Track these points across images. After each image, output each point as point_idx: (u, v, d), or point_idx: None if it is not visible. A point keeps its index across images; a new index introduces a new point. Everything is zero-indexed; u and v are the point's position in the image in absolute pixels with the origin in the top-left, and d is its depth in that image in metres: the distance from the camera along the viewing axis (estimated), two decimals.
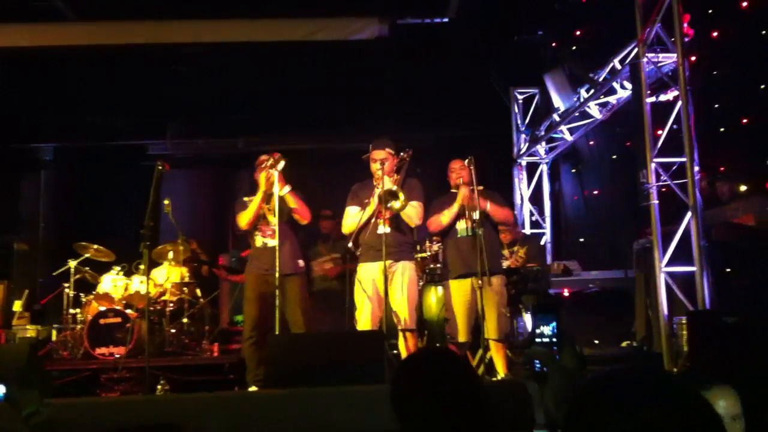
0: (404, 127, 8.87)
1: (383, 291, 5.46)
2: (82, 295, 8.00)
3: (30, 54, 8.49)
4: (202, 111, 9.94)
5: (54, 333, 8.04)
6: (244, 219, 5.91)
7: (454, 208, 5.78)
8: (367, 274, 5.61)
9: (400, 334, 5.49)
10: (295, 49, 8.87)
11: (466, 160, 5.69)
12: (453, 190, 5.87)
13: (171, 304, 7.71)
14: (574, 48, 7.97)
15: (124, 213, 10.28)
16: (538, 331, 3.19)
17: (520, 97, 9.38)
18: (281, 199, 5.70)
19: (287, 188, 5.78)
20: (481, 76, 9.30)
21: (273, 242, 5.70)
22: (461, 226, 5.79)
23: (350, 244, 5.63)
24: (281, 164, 5.69)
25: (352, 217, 5.67)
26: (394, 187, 5.47)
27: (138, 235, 9.11)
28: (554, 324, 3.12)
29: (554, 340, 3.12)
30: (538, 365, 2.55)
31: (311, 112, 9.86)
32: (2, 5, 8.01)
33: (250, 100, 9.66)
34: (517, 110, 9.38)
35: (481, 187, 5.68)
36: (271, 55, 9.02)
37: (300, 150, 9.08)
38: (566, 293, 7.11)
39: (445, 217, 5.81)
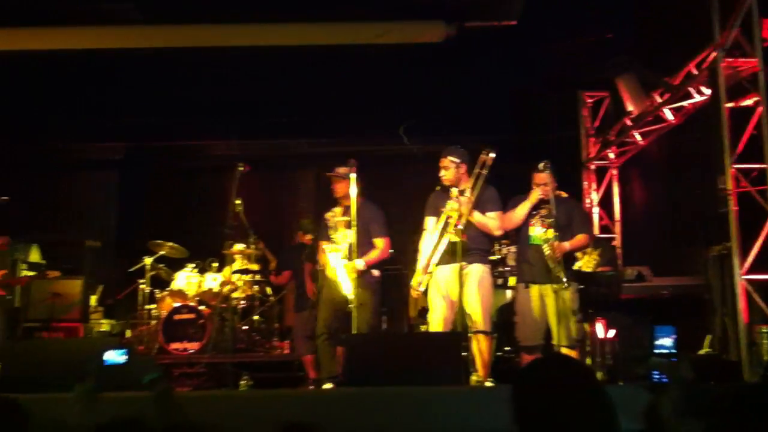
0: (468, 132, 8.87)
1: (455, 294, 5.51)
2: (156, 291, 8.22)
3: (102, 56, 8.70)
4: (268, 112, 10.07)
5: (129, 328, 8.27)
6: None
7: (528, 203, 5.77)
8: (440, 277, 5.67)
9: (473, 337, 5.51)
10: (359, 52, 8.94)
11: (541, 164, 5.69)
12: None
13: (242, 302, 7.87)
14: (645, 51, 7.88)
15: (193, 211, 10.52)
16: (657, 342, 3.18)
17: (589, 100, 9.30)
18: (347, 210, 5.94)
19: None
20: (549, 80, 9.24)
21: (344, 245, 5.90)
22: (534, 233, 5.79)
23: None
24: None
25: (429, 237, 5.77)
26: (464, 193, 5.54)
27: (210, 232, 9.37)
28: (674, 335, 3.12)
29: (673, 351, 3.12)
30: (656, 376, 2.53)
31: (374, 115, 9.91)
32: (75, 9, 8.23)
33: (315, 101, 9.75)
34: (586, 114, 9.30)
35: (565, 194, 5.69)
36: (335, 58, 9.10)
37: (362, 152, 9.13)
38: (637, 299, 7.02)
39: (520, 209, 5.79)
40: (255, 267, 8.34)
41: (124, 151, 10.72)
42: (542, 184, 5.72)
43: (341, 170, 6.09)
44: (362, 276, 5.83)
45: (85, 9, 8.09)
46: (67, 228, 10.32)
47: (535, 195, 5.71)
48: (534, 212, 5.77)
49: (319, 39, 8.76)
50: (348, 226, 5.88)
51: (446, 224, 5.64)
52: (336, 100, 9.63)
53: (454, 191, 5.63)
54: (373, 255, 6.00)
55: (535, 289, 5.70)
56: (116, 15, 8.17)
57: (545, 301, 5.62)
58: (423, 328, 6.43)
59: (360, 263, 5.85)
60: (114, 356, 2.97)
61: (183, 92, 9.59)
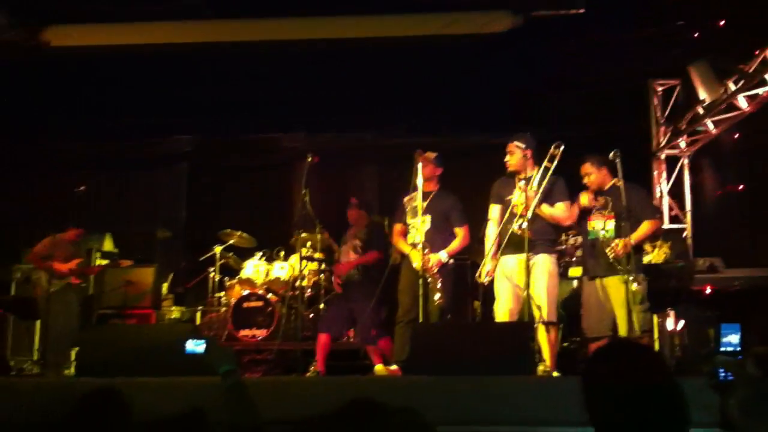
0: (533, 121, 8.80)
1: (522, 284, 5.50)
2: (226, 279, 8.40)
3: (171, 51, 8.88)
4: (333, 105, 10.15)
5: (198, 315, 8.47)
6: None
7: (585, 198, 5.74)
8: (506, 267, 5.66)
9: (540, 327, 5.49)
10: (422, 45, 8.92)
11: (611, 154, 5.61)
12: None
13: (308, 290, 7.96)
14: (718, 37, 7.69)
15: (260, 202, 10.70)
16: (723, 339, 3.10)
17: (659, 89, 9.13)
18: (431, 202, 5.97)
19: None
20: (617, 68, 9.09)
21: (419, 237, 5.88)
22: (593, 227, 5.72)
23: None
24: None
25: (494, 227, 5.78)
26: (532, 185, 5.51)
27: (277, 222, 9.51)
28: (740, 333, 3.05)
29: (739, 348, 3.05)
30: (722, 374, 2.47)
31: (439, 106, 9.90)
32: (145, 4, 8.41)
33: (380, 93, 9.78)
34: (656, 102, 9.13)
35: (621, 182, 5.60)
36: (400, 51, 9.11)
37: (426, 144, 9.13)
38: (708, 291, 6.89)
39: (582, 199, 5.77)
40: (320, 256, 8.42)
41: (193, 144, 10.94)
42: (585, 174, 5.71)
43: (430, 154, 6.10)
44: (441, 266, 5.85)
45: (157, 5, 8.27)
46: (140, 218, 10.60)
47: (584, 200, 5.67)
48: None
49: (386, 31, 8.78)
50: (426, 211, 5.89)
51: (512, 215, 5.62)
52: (400, 93, 9.65)
53: (520, 184, 5.59)
54: (455, 245, 6.02)
55: (599, 281, 5.65)
56: (186, 11, 8.32)
57: (610, 293, 5.56)
58: None
59: (444, 256, 5.88)
60: (193, 346, 3.06)
61: (250, 86, 9.74)
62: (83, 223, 7.68)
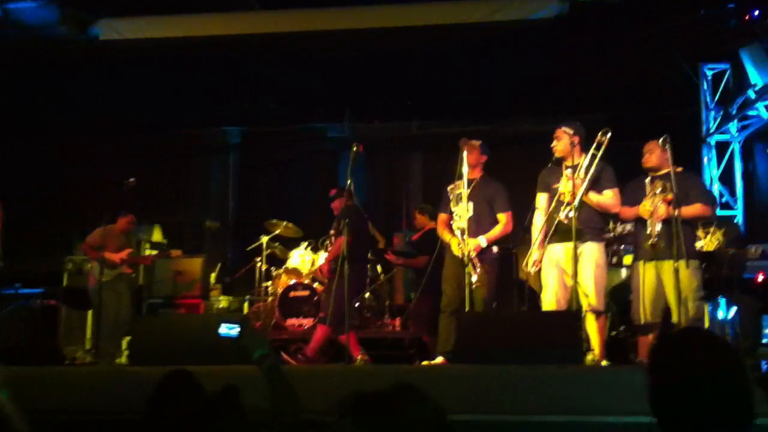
0: (579, 108, 8.70)
1: (569, 272, 5.45)
2: (272, 269, 8.49)
3: (219, 43, 8.97)
4: (378, 94, 10.16)
5: (246, 304, 8.57)
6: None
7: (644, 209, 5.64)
8: (553, 256, 5.62)
9: (587, 316, 5.43)
10: (469, 31, 8.87)
11: (661, 140, 5.52)
12: (651, 175, 5.69)
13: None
14: None
15: (306, 192, 10.76)
16: (766, 331, 3.05)
17: (709, 73, 8.94)
18: (475, 188, 5.89)
19: (483, 241, 5.87)
20: (666, 53, 8.93)
21: (463, 224, 5.83)
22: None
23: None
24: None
25: (541, 216, 5.74)
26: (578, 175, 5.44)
27: (323, 212, 9.56)
28: None
29: None
30: (766, 366, 2.41)
31: (484, 95, 9.85)
32: None
33: (424, 83, 9.76)
34: (706, 87, 8.95)
35: (680, 169, 5.51)
36: (445, 38, 9.07)
37: (473, 132, 9.08)
38: (760, 279, 6.74)
39: (629, 211, 5.72)
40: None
41: (241, 135, 11.05)
42: (647, 151, 5.65)
43: (475, 142, 6.08)
44: (482, 252, 5.80)
45: None
46: (188, 209, 10.76)
47: (644, 209, 5.56)
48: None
49: (433, 19, 8.75)
50: (470, 198, 5.86)
51: (559, 204, 5.57)
52: (445, 81, 9.62)
53: (567, 171, 5.53)
54: (496, 231, 5.95)
55: (652, 267, 5.56)
56: (234, 3, 8.39)
57: (663, 279, 5.48)
58: None
59: (482, 241, 5.82)
60: (226, 329, 3.08)
61: (296, 76, 9.80)
62: (133, 214, 7.82)
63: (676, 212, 5.25)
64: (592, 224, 5.60)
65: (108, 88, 9.34)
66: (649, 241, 5.40)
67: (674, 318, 5.37)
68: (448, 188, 6.18)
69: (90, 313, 7.87)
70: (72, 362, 6.83)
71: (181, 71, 9.42)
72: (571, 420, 3.98)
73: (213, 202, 11.28)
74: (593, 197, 5.57)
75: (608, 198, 5.61)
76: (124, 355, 6.26)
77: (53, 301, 8.12)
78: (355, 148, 6.01)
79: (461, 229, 5.79)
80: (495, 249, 6.00)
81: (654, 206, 5.48)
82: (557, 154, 5.70)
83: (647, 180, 5.61)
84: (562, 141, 5.64)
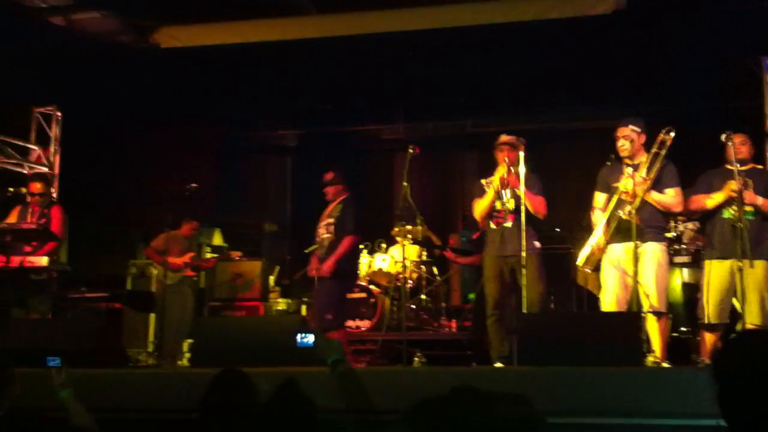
0: (637, 102, 8.57)
1: (630, 272, 5.37)
2: None
3: (275, 47, 9.07)
4: (432, 95, 10.16)
5: (303, 307, 8.67)
6: (477, 210, 6.05)
7: (721, 197, 5.54)
8: (614, 255, 5.54)
9: (648, 317, 5.35)
10: (522, 29, 8.79)
11: (723, 136, 5.41)
12: (727, 166, 5.57)
13: (410, 282, 8.03)
14: None
15: (362, 194, 10.79)
16: None
17: None
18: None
19: (522, 187, 5.79)
20: (726, 45, 8.72)
21: (508, 223, 5.82)
22: (730, 209, 5.52)
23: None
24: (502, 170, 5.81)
25: (599, 215, 5.65)
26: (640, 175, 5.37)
27: (378, 214, 9.60)
28: None
29: None
30: None
31: (539, 91, 9.77)
32: (249, 3, 8.61)
33: (478, 82, 9.72)
34: None
35: (761, 167, 5.40)
36: (497, 36, 9.02)
37: (528, 130, 9.02)
38: None
39: (711, 201, 5.61)
40: (419, 248, 8.48)
41: (298, 138, 11.17)
42: (740, 142, 5.58)
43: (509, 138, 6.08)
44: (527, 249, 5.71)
45: (261, 3, 8.48)
46: (247, 212, 10.92)
47: (728, 191, 5.46)
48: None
49: (485, 19, 8.70)
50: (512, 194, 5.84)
51: (619, 202, 5.50)
52: (499, 79, 9.56)
53: (628, 170, 5.46)
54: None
55: (720, 265, 5.46)
56: (289, 7, 8.49)
57: (733, 278, 5.37)
58: None
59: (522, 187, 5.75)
60: (302, 339, 3.23)
61: (349, 80, 9.87)
62: (195, 218, 7.98)
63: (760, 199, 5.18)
64: (654, 223, 5.51)
65: (168, 93, 9.54)
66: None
67: (745, 317, 5.25)
68: (483, 181, 6.16)
69: (153, 315, 8.07)
70: (136, 364, 7.01)
71: (238, 76, 9.56)
72: (632, 423, 3.94)
73: (270, 204, 11.43)
74: (655, 196, 5.48)
75: (670, 197, 5.51)
76: (185, 357, 6.39)
77: (118, 305, 8.34)
78: (411, 150, 6.02)
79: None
80: (537, 244, 5.94)
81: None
82: (625, 154, 5.56)
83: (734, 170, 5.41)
84: (631, 140, 5.53)
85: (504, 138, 6.12)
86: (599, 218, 5.67)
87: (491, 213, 6.01)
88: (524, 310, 5.46)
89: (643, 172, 5.43)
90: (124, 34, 8.63)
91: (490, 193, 5.94)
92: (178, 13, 8.55)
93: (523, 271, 5.49)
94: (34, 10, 8.32)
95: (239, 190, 11.28)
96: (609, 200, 5.62)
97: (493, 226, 6.02)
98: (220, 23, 8.67)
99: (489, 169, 6.33)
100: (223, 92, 9.84)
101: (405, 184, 7.16)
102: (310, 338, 3.22)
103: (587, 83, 9.36)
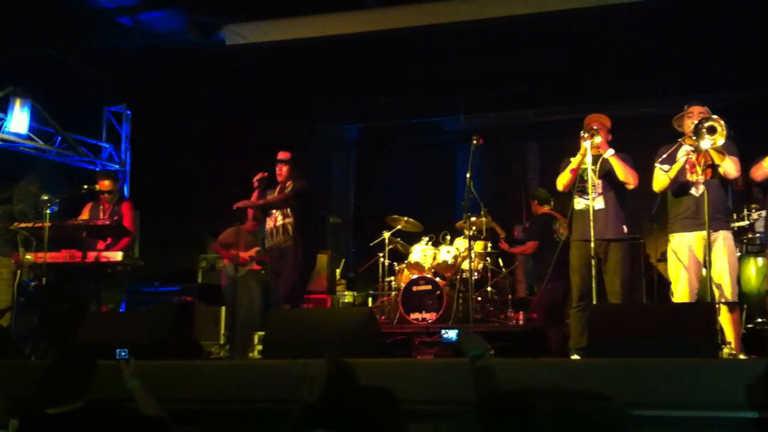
0: (699, 89, 8.37)
1: (702, 261, 5.27)
2: (395, 264, 8.60)
3: (336, 41, 9.12)
4: (493, 85, 10.09)
5: (370, 299, 8.73)
6: (560, 181, 5.91)
7: None
8: (683, 244, 5.42)
9: (721, 308, 5.23)
10: (582, 15, 8.66)
11: None
12: None
13: (475, 273, 8.01)
14: None
15: (424, 186, 10.83)
16: None
17: None
18: (605, 161, 5.67)
19: (611, 151, 5.70)
20: None
21: (599, 205, 5.69)
22: None
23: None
24: (597, 139, 5.62)
25: (661, 176, 5.52)
26: (714, 116, 5.18)
27: (441, 206, 9.60)
28: None
29: None
30: None
31: (599, 79, 9.63)
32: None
33: (539, 71, 9.62)
34: None
35: None
36: (558, 24, 8.90)
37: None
38: None
39: None
40: (485, 240, 8.46)
41: (360, 131, 11.23)
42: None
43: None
44: (615, 232, 5.65)
45: None
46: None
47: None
48: None
49: (542, 7, 8.60)
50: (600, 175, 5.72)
51: (684, 183, 5.38)
52: (560, 67, 9.45)
53: (689, 139, 5.31)
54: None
55: None
56: (352, 1, 8.52)
57: None
58: None
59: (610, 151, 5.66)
60: (447, 335, 3.67)
61: (409, 72, 9.87)
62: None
63: None
64: (721, 211, 5.40)
65: (233, 89, 9.69)
66: None
67: None
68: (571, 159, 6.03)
69: (223, 308, 8.22)
70: (207, 356, 7.16)
71: (300, 71, 9.65)
72: (709, 415, 3.86)
73: (334, 198, 11.52)
74: (724, 162, 5.29)
75: (730, 161, 5.29)
76: (256, 348, 6.50)
77: (189, 298, 8.53)
78: (475, 141, 5.98)
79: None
80: (625, 229, 5.81)
81: None
82: (688, 131, 5.38)
83: None
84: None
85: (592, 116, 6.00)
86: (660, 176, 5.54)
87: (576, 184, 5.75)
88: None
89: (720, 137, 5.20)
90: (190, 33, 8.78)
91: (576, 158, 5.73)
92: (241, 11, 8.67)
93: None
94: (101, 11, 8.54)
95: None
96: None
97: (579, 204, 5.80)
98: (282, 19, 8.76)
99: (551, 159, 6.25)
100: (286, 87, 9.95)
101: (468, 175, 7.15)
102: (452, 333, 3.45)
103: (649, 70, 9.20)
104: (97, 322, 5.83)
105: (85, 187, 7.06)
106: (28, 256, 6.41)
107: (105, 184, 7.08)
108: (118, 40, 8.90)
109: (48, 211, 6.28)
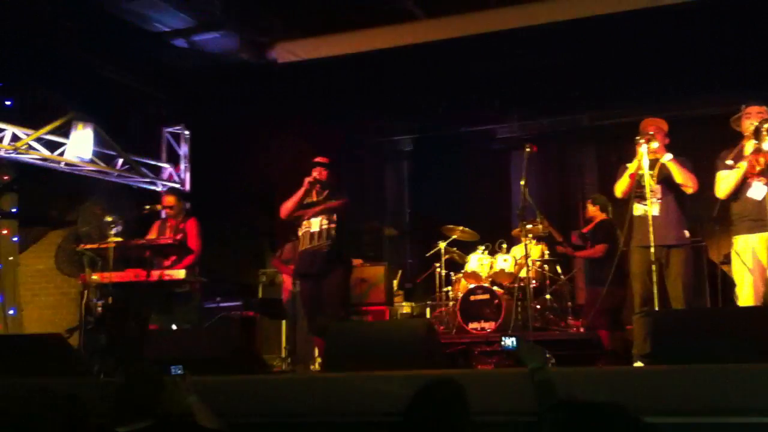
0: (755, 88, 8.17)
1: (766, 264, 5.16)
2: (452, 273, 8.60)
3: (386, 54, 9.17)
4: (545, 90, 10.03)
5: (428, 310, 8.74)
6: (619, 187, 5.83)
7: None
8: (747, 246, 5.31)
9: None
10: (634, 17, 8.56)
11: None
12: None
13: (533, 281, 7.95)
14: None
15: (479, 195, 10.80)
16: None
17: None
18: (663, 166, 5.60)
19: (669, 156, 5.61)
20: None
21: (656, 210, 5.59)
22: None
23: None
24: (653, 144, 5.55)
25: (726, 180, 5.40)
26: None
27: (497, 214, 9.56)
28: None
29: None
30: None
31: (655, 80, 9.50)
32: (358, 14, 8.76)
33: (591, 75, 9.54)
34: None
35: None
36: (609, 27, 8.82)
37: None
38: None
39: None
40: (541, 247, 8.39)
41: (413, 142, 11.29)
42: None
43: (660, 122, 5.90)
44: (678, 238, 5.54)
45: (370, 13, 8.62)
46: (367, 218, 11.09)
47: None
48: None
49: (597, 10, 8.53)
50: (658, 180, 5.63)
51: (745, 185, 5.28)
52: (613, 70, 9.36)
53: (749, 141, 5.21)
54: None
55: None
56: (398, 14, 8.59)
57: None
58: None
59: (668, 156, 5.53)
60: (507, 342, 3.71)
61: (462, 80, 9.88)
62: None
63: None
64: None
65: (287, 106, 9.83)
66: None
67: None
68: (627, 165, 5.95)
69: (284, 322, 8.33)
70: (270, 369, 7.25)
71: (353, 85, 9.74)
72: None
73: (389, 209, 11.57)
74: None
75: None
76: (317, 361, 6.56)
77: (251, 312, 8.66)
78: (528, 149, 5.95)
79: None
80: (687, 234, 5.70)
81: None
82: (747, 132, 5.29)
83: None
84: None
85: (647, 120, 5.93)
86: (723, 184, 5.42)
87: (634, 190, 5.64)
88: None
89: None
90: (243, 52, 8.96)
91: (633, 164, 5.59)
92: (292, 29, 8.82)
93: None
94: (157, 34, 8.78)
95: (359, 196, 11.46)
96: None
97: (638, 210, 5.69)
98: (332, 35, 8.88)
99: (607, 163, 6.18)
100: (339, 101, 10.06)
101: (522, 183, 7.11)
102: (511, 341, 3.48)
103: (702, 70, 9.05)
104: (161, 339, 5.95)
105: (147, 207, 7.23)
106: (95, 276, 6.57)
107: (169, 200, 7.23)
108: (174, 62, 9.14)
109: (112, 232, 6.44)
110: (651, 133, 5.62)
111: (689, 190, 5.66)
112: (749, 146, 5.27)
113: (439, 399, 2.85)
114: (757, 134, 5.07)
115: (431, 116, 10.60)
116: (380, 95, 9.98)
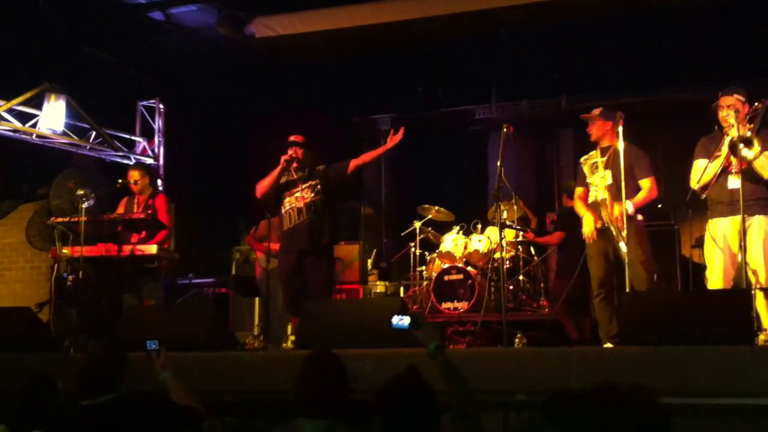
0: (741, 74, 8.23)
1: (736, 248, 5.23)
2: (426, 253, 8.61)
3: (365, 32, 9.10)
4: (524, 73, 10.02)
5: (402, 289, 8.75)
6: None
7: None
8: (719, 231, 5.37)
9: (757, 294, 5.16)
10: (629, 6, 8.54)
11: None
12: None
13: (507, 262, 7.97)
14: None
15: (456, 176, 10.80)
16: None
17: None
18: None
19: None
20: None
21: (601, 194, 5.69)
22: None
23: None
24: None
25: (700, 170, 5.44)
26: (748, 134, 5.17)
27: (472, 195, 9.56)
28: None
29: None
30: None
31: (635, 65, 9.51)
32: None
33: (570, 58, 9.53)
34: None
35: None
36: (588, 10, 8.79)
37: (626, 105, 8.78)
38: None
39: None
40: (516, 228, 8.41)
41: (390, 121, 11.23)
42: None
43: (595, 111, 5.94)
44: (630, 222, 5.53)
45: None
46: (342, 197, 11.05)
47: None
48: None
49: None
50: (607, 166, 5.71)
51: (723, 174, 5.32)
52: (592, 54, 9.36)
53: (733, 132, 5.23)
54: (641, 196, 5.70)
55: None
56: None
57: None
58: None
59: (629, 207, 5.54)
60: (398, 321, 3.19)
61: (439, 62, 9.83)
62: None
63: None
64: (758, 195, 5.31)
65: (264, 82, 9.73)
66: None
67: None
68: (581, 160, 6.05)
69: (257, 300, 8.29)
70: (242, 347, 7.23)
71: (330, 61, 9.65)
72: (746, 403, 3.83)
73: (366, 189, 11.52)
74: (761, 171, 5.25)
75: (766, 159, 5.22)
76: (290, 339, 6.55)
77: (224, 290, 8.62)
78: (505, 130, 5.96)
79: (602, 199, 5.63)
80: (640, 217, 5.75)
81: None
82: (727, 125, 5.32)
83: None
84: (739, 112, 5.27)
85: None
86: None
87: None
88: (627, 289, 5.37)
89: (757, 147, 5.17)
90: (220, 26, 8.84)
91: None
92: (270, 4, 8.71)
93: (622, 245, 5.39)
94: (133, 6, 8.64)
95: None
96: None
97: (591, 196, 5.86)
98: (311, 11, 8.78)
99: (584, 146, 6.22)
100: (315, 79, 9.97)
101: (499, 164, 7.12)
102: (405, 320, 3.16)
103: (683, 56, 9.06)
104: (134, 316, 5.92)
105: (120, 181, 7.14)
106: (65, 251, 6.49)
107: (133, 175, 7.13)
108: (151, 35, 9.00)
109: (84, 206, 6.35)
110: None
111: (646, 194, 5.78)
112: (727, 143, 5.30)
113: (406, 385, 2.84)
114: (733, 150, 5.15)
115: (409, 96, 10.54)
116: (358, 73, 9.90)
